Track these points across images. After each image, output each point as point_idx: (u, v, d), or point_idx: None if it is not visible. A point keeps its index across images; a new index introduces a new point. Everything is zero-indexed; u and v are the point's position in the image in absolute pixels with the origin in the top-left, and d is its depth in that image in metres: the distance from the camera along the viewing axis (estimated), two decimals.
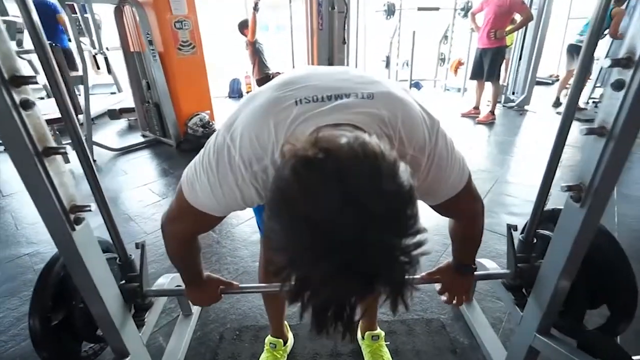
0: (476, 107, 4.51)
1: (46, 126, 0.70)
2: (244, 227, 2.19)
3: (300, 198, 0.38)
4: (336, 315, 0.40)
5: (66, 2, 3.12)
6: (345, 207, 0.36)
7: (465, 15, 5.63)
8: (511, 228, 1.07)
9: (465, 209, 0.79)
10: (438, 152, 0.64)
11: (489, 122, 4.25)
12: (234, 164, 0.61)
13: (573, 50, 4.54)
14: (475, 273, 1.03)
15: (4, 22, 4.91)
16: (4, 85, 0.61)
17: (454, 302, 1.03)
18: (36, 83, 0.64)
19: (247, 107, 0.63)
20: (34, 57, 4.78)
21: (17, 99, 0.63)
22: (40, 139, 0.68)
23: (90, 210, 0.78)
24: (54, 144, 0.70)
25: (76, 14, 3.27)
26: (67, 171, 0.75)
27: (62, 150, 0.70)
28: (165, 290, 1.11)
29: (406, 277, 0.40)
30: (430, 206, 0.76)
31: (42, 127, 0.69)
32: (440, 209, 0.76)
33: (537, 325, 0.99)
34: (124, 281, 1.03)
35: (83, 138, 0.87)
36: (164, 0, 3.17)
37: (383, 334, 1.31)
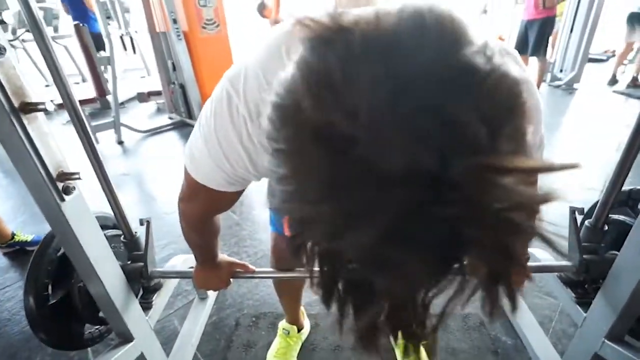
0: None
1: (23, 78, 0.60)
2: (265, 209, 2.10)
3: (321, 97, 0.22)
4: (390, 319, 0.26)
5: None
6: (403, 110, 0.20)
7: None
8: (575, 211, 0.88)
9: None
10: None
11: None
12: (236, 116, 0.48)
13: (635, 18, 3.99)
14: (530, 265, 0.86)
15: (41, 9, 5.08)
16: None
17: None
18: (3, 21, 0.54)
19: (253, 51, 0.50)
20: (69, 42, 4.92)
21: None
22: (16, 92, 0.59)
23: (79, 178, 0.68)
24: (33, 99, 0.61)
25: None
26: (52, 133, 0.65)
27: (42, 107, 0.60)
28: (172, 272, 1.02)
29: (518, 242, 0.23)
30: None
31: (17, 79, 0.59)
32: None
33: (607, 329, 0.81)
34: (130, 261, 0.95)
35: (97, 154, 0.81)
36: None
37: None
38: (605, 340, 0.82)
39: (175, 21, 3.21)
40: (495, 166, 0.21)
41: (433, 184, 0.20)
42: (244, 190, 0.61)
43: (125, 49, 3.67)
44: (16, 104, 0.59)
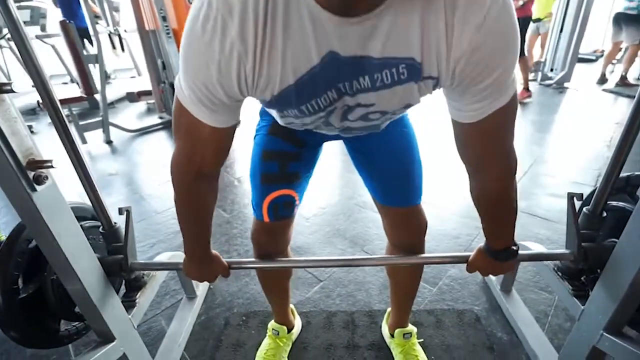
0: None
1: None
2: None
3: None
4: None
5: None
6: None
7: None
8: (574, 197, 0.85)
9: (496, 148, 0.59)
10: (497, 19, 0.43)
11: (525, 101, 3.89)
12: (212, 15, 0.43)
13: (621, 19, 4.03)
14: (524, 252, 0.82)
15: (28, 7, 4.98)
16: None
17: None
18: None
19: None
20: (57, 41, 4.83)
21: None
22: None
23: (51, 167, 0.64)
24: None
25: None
26: (21, 118, 0.61)
27: (8, 88, 0.56)
28: (155, 263, 0.97)
29: None
30: (456, 133, 0.59)
31: None
32: (466, 137, 0.58)
33: (605, 321, 0.79)
34: (109, 253, 0.90)
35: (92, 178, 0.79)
36: None
37: (415, 330, 1.12)
38: (604, 333, 0.79)
39: (164, 19, 3.16)
40: None
41: None
42: (228, 144, 0.60)
43: (114, 47, 3.60)
44: None
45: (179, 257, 1.23)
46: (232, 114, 0.55)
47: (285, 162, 0.82)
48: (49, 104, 0.72)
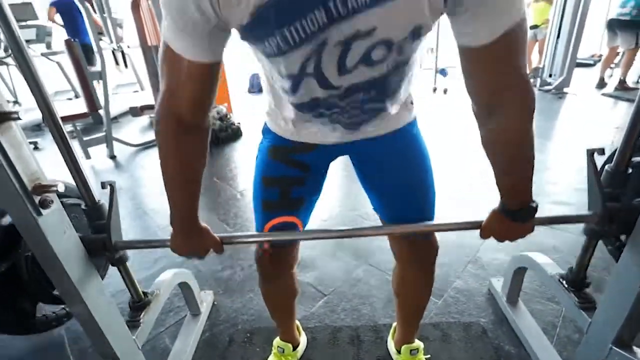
0: None
1: None
2: None
3: None
4: None
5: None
6: None
7: None
8: (595, 152, 0.78)
9: (512, 78, 0.53)
10: None
11: None
12: None
13: (615, 25, 4.07)
14: (541, 216, 0.73)
15: (34, 26, 5.08)
16: None
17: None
18: None
19: None
20: (61, 58, 4.91)
21: None
22: None
23: (56, 191, 0.65)
24: (6, 108, 0.58)
25: (96, 12, 3.28)
26: (26, 143, 0.62)
27: (15, 116, 0.58)
28: (141, 241, 0.90)
29: None
30: (465, 65, 0.54)
31: None
32: (477, 66, 0.53)
33: (614, 335, 0.78)
34: (92, 232, 0.84)
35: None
36: None
37: (422, 346, 1.10)
38: (613, 347, 0.78)
39: None
40: None
41: None
42: (207, 88, 0.57)
43: (117, 63, 3.66)
44: None
45: (183, 275, 1.23)
46: (209, 46, 0.52)
47: (288, 188, 0.79)
48: (50, 121, 0.72)
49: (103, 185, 0.83)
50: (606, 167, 0.82)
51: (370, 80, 0.58)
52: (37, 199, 0.64)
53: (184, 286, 1.25)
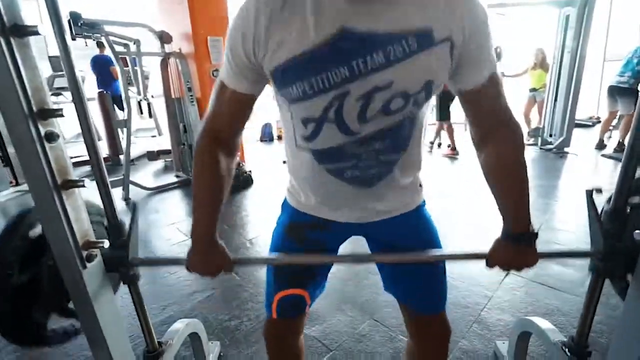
0: (449, 146, 4.77)
1: (68, 158, 0.69)
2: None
3: None
4: None
5: (120, 56, 3.45)
6: None
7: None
8: (593, 191, 0.83)
9: (501, 110, 0.68)
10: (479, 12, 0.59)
11: (453, 157, 4.60)
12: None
13: (615, 91, 4.34)
14: (546, 251, 0.76)
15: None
16: (31, 118, 0.62)
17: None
18: (62, 116, 0.64)
19: None
20: (90, 104, 5.28)
21: (42, 131, 0.64)
22: (61, 171, 0.67)
23: (103, 247, 0.74)
24: (74, 177, 0.69)
25: (128, 66, 3.63)
26: (83, 205, 0.73)
27: (81, 184, 0.69)
28: (158, 259, 0.95)
29: None
30: (466, 105, 0.69)
31: (63, 160, 0.68)
32: (475, 103, 0.68)
33: None
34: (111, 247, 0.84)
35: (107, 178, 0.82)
36: (205, 52, 3.43)
37: None
38: None
39: (190, 89, 3.50)
40: None
41: None
42: (243, 115, 0.71)
43: (141, 112, 3.93)
44: (59, 181, 0.67)
45: (194, 323, 1.27)
46: (251, 84, 0.66)
47: (300, 265, 0.84)
48: (94, 159, 0.76)
49: (127, 201, 0.89)
50: (604, 206, 0.85)
51: (386, 128, 0.66)
52: (84, 253, 0.73)
53: (193, 337, 1.28)
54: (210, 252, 0.76)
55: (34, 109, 0.62)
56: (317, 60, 0.58)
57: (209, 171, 0.71)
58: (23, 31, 0.59)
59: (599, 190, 0.83)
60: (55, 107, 0.64)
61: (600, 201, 0.85)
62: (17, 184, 3.71)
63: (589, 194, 0.83)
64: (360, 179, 0.72)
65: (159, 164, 4.84)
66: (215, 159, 0.71)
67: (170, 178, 4.11)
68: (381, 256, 0.87)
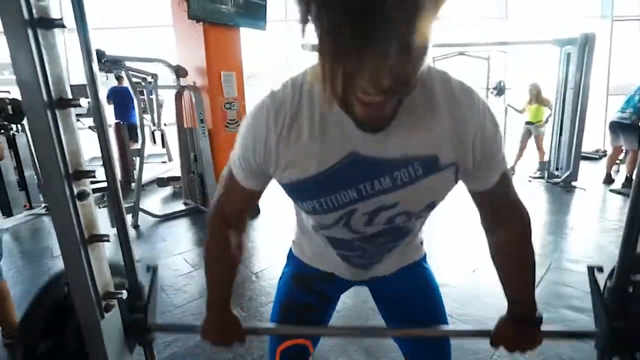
0: None
1: (96, 214, 0.74)
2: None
3: None
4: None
5: (138, 89, 3.61)
6: None
7: (499, 95, 5.74)
8: (594, 269, 0.82)
9: (510, 203, 0.69)
10: (488, 121, 0.59)
11: None
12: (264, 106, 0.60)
13: (616, 127, 4.38)
14: (550, 330, 0.78)
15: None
16: (67, 179, 0.67)
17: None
18: (94, 178, 0.70)
19: None
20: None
21: (75, 190, 0.69)
22: (88, 226, 0.72)
23: (121, 297, 0.77)
24: (100, 232, 0.73)
25: (144, 96, 3.79)
26: (106, 257, 0.77)
27: (106, 239, 0.73)
28: (175, 325, 0.97)
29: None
30: (478, 203, 0.69)
31: (92, 215, 0.73)
32: (486, 201, 0.68)
33: None
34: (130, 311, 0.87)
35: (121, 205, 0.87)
36: (218, 86, 3.58)
37: None
38: None
39: (202, 121, 3.63)
40: None
41: None
42: (250, 205, 0.74)
43: (154, 141, 4.05)
44: (86, 236, 0.71)
45: None
46: (259, 183, 0.68)
47: (304, 314, 0.86)
48: (112, 183, 0.82)
49: (148, 268, 0.91)
50: (607, 283, 0.84)
51: (390, 229, 0.70)
52: (103, 304, 0.76)
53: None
54: (224, 321, 0.79)
55: (70, 170, 0.67)
56: (326, 184, 0.60)
57: (222, 255, 0.76)
58: (49, 24, 0.62)
59: (600, 269, 0.83)
60: (88, 168, 0.69)
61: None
62: (31, 207, 3.82)
63: (591, 271, 0.83)
64: (363, 264, 0.81)
65: (168, 190, 4.92)
66: (226, 239, 0.75)
67: (179, 205, 4.17)
68: (389, 331, 0.94)
